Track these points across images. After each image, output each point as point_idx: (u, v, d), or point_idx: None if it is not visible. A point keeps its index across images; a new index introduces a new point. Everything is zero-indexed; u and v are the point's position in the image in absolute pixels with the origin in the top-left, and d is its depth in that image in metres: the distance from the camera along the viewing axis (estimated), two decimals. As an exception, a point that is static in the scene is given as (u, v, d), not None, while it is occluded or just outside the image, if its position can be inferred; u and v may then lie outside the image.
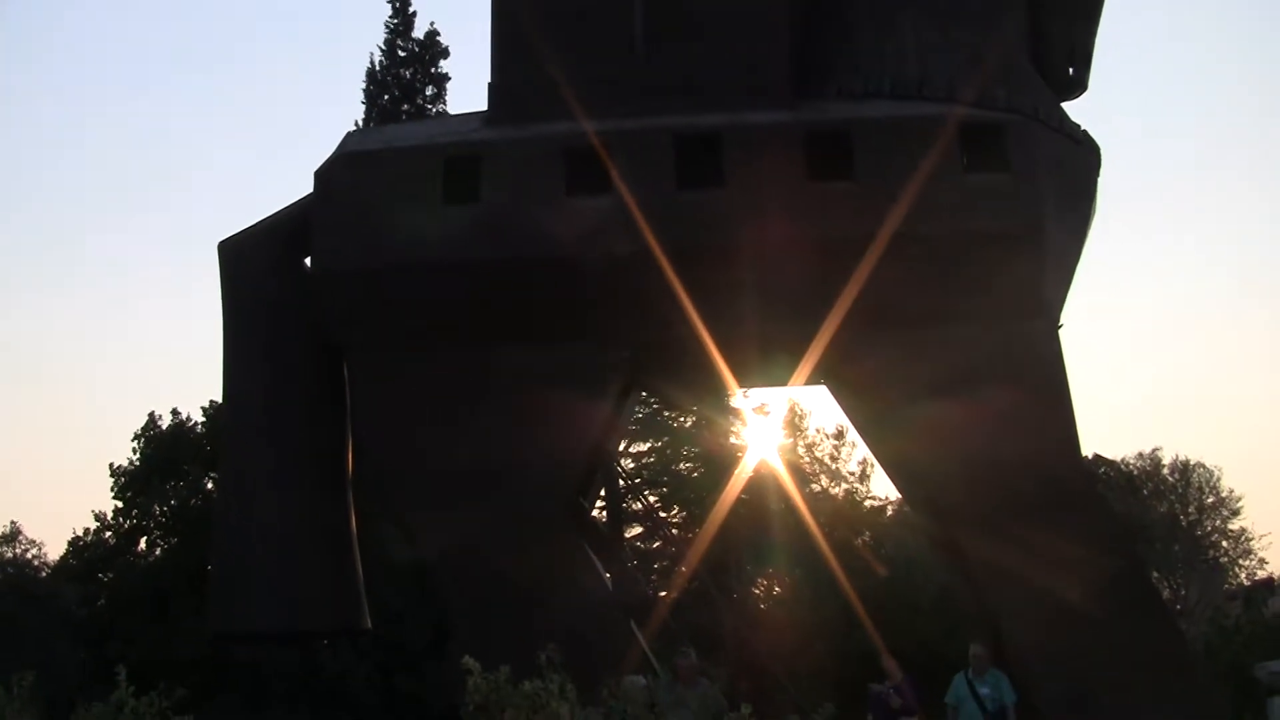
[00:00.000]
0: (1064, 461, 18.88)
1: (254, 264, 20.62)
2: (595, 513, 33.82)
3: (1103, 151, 20.01)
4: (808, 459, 52.63)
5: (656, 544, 50.08)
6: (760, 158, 18.72)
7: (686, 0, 19.69)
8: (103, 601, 43.69)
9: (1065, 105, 20.25)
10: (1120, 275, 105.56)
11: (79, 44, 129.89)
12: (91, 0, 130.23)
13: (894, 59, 19.63)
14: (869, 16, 20.09)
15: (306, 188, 20.05)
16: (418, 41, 50.25)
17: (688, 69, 19.39)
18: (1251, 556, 60.36)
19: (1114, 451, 60.96)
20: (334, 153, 19.83)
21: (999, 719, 18.06)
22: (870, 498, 51.41)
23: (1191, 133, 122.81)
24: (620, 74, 19.43)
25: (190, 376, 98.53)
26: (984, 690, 18.26)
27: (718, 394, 41.11)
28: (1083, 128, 19.90)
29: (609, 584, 20.29)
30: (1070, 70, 20.73)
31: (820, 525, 38.73)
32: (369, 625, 21.14)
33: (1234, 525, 60.65)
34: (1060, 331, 19.46)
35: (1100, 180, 19.99)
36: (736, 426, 49.83)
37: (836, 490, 51.43)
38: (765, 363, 19.86)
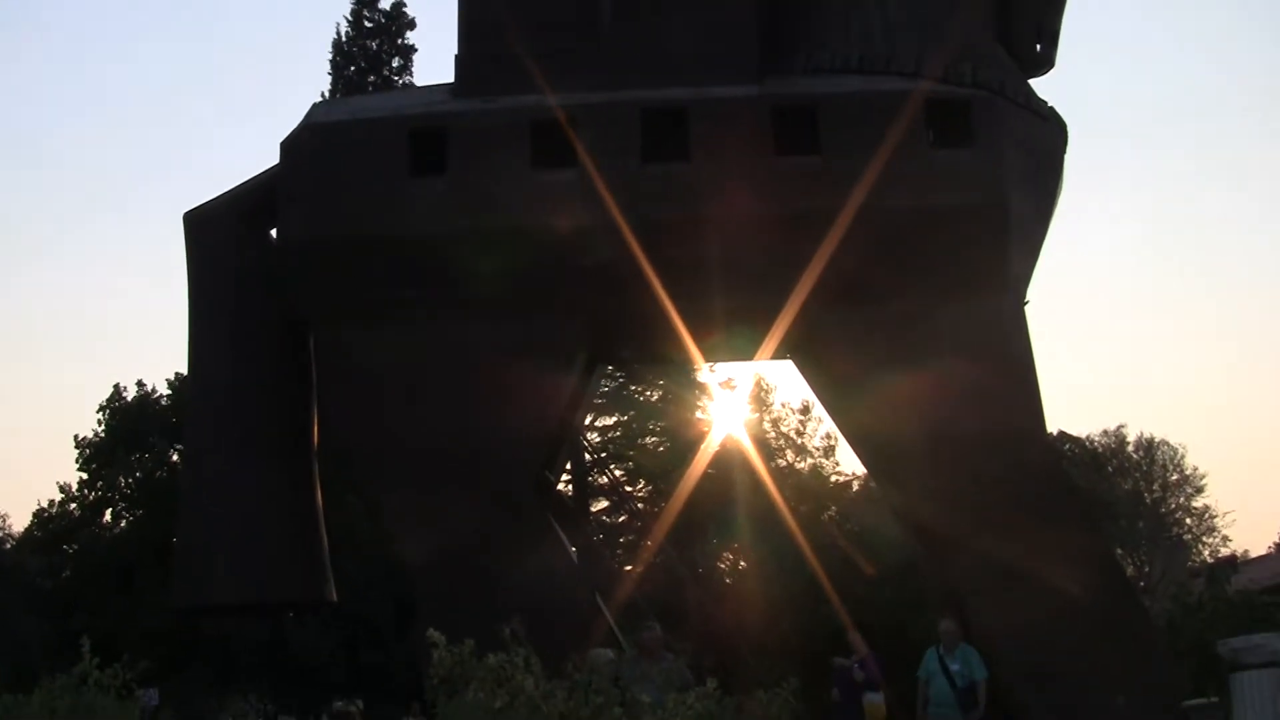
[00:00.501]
0: (1028, 436, 18.97)
1: (219, 235, 20.53)
2: (561, 486, 33.82)
3: (1069, 127, 20.07)
4: (773, 434, 52.61)
5: (622, 518, 50.09)
6: (726, 132, 18.73)
7: (654, -27, 19.66)
8: (68, 573, 43.65)
9: (1032, 82, 20.29)
10: (1085, 252, 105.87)
11: (36, 16, 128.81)
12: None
13: (861, 34, 19.63)
14: (836, -8, 20.07)
15: (272, 159, 20.01)
16: (384, 13, 50.16)
17: (654, 42, 19.38)
18: (1215, 534, 60.78)
19: (1079, 429, 61.25)
20: (300, 124, 19.75)
21: (969, 694, 18.09)
22: (836, 473, 51.47)
23: (1153, 109, 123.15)
24: (586, 47, 19.41)
25: (156, 348, 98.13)
26: (954, 666, 18.29)
27: (683, 368, 41.13)
28: (1049, 104, 19.96)
29: (574, 558, 20.31)
30: (1037, 47, 20.76)
31: (786, 500, 38.79)
32: (334, 598, 21.14)
33: (1198, 503, 61.05)
34: (1026, 308, 19.53)
35: (1067, 157, 20.06)
36: (703, 401, 49.91)
37: (802, 465, 51.45)
38: (730, 337, 19.88)
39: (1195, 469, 60.82)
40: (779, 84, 19.34)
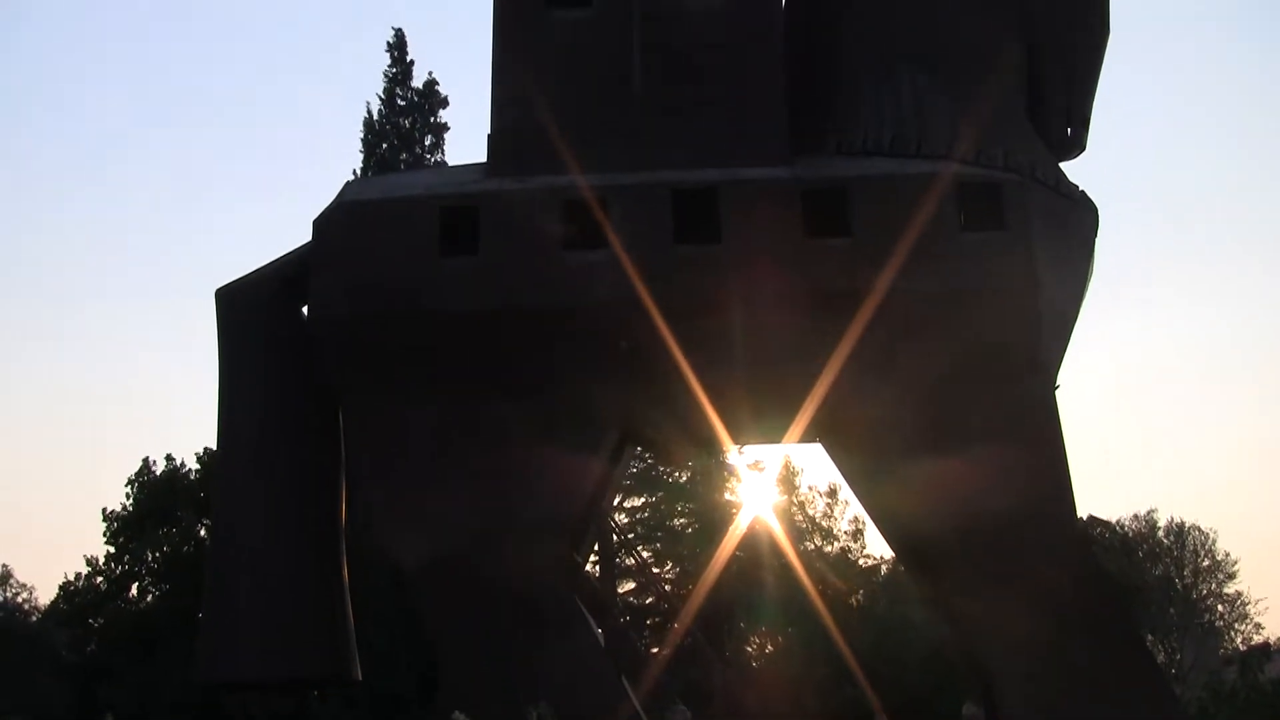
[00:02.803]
0: (1058, 522, 18.83)
1: (251, 310, 20.63)
2: (588, 567, 33.65)
3: (1099, 210, 20.06)
4: (801, 516, 52.39)
5: (649, 599, 49.75)
6: (757, 213, 18.77)
7: (684, 54, 19.80)
8: (93, 646, 43.51)
9: (1064, 165, 20.33)
10: (1116, 335, 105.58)
11: (76, 95, 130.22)
12: (88, 50, 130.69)
13: (892, 115, 19.72)
14: (868, 71, 20.20)
15: (305, 236, 20.09)
16: (416, 91, 50.35)
17: (685, 123, 19.46)
18: (1247, 621, 60.08)
19: (1109, 513, 60.79)
20: (333, 201, 19.86)
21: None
22: (864, 556, 51.18)
23: (1185, 192, 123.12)
24: (618, 127, 19.48)
25: (186, 422, 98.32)
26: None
27: (713, 449, 41.08)
28: (1080, 188, 19.96)
29: (601, 639, 20.16)
30: (1068, 131, 20.82)
31: (813, 582, 38.61)
32: (359, 676, 21.00)
33: (1230, 589, 60.42)
34: (1057, 391, 19.45)
35: (1097, 239, 20.03)
36: (731, 483, 49.67)
37: (830, 548, 51.17)
38: (760, 418, 19.80)
39: (1227, 554, 60.28)
40: (810, 165, 19.38)
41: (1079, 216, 19.84)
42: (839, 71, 20.52)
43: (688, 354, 18.35)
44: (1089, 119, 21.08)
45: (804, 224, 18.73)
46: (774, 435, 20.54)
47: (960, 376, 18.50)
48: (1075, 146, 21.04)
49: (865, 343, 18.16)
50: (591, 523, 22.25)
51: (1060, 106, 20.75)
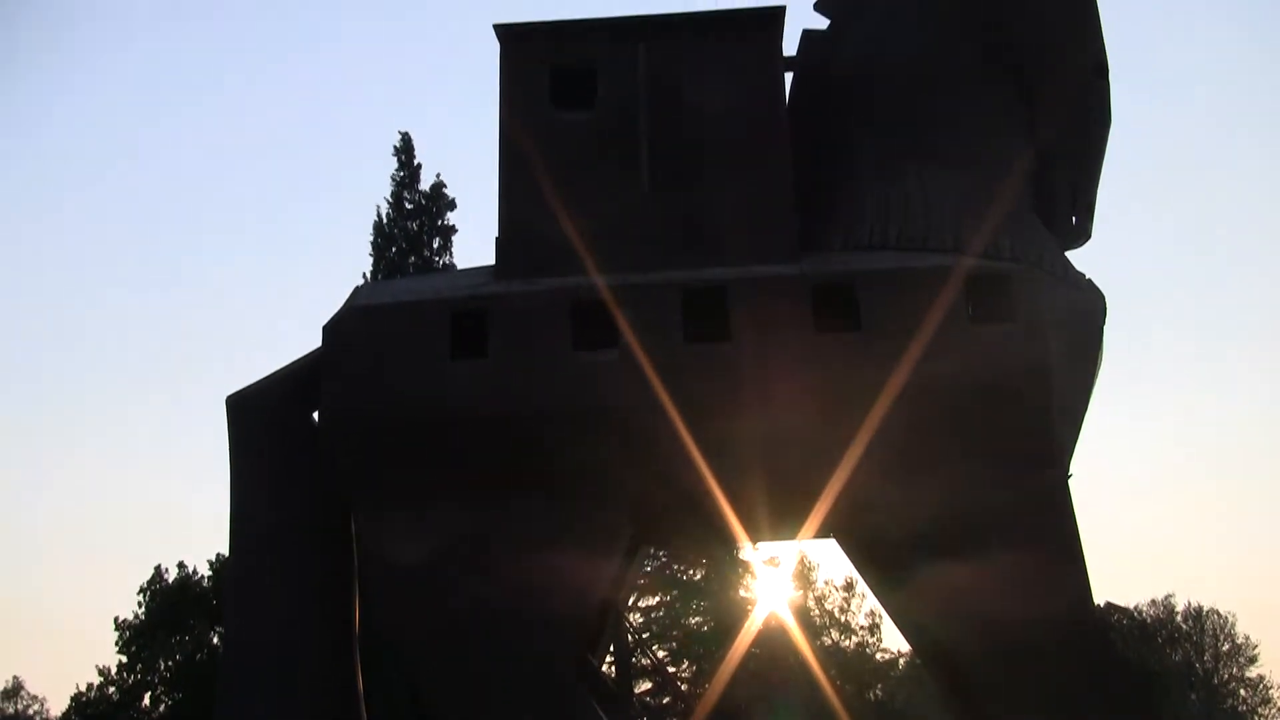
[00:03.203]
0: (1076, 615, 18.63)
1: (262, 417, 20.62)
2: (604, 668, 33.43)
3: (1108, 297, 20.08)
4: (817, 611, 52.23)
5: (666, 700, 49.47)
6: (766, 310, 18.78)
7: (691, 153, 19.92)
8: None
9: (1070, 254, 20.38)
10: (1128, 419, 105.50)
11: (90, 199, 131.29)
12: (100, 155, 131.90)
13: (899, 208, 19.76)
14: (874, 168, 20.29)
15: (314, 342, 20.14)
16: (424, 194, 50.80)
17: (693, 221, 19.54)
18: (1271, 705, 59.67)
19: (1126, 598, 60.59)
20: (343, 306, 19.90)
21: None
22: (881, 650, 50.92)
23: (1191, 277, 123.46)
24: (626, 227, 19.56)
25: (198, 529, 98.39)
26: None
27: (727, 547, 40.90)
28: (1087, 276, 20.00)
29: (618, 741, 19.99)
30: (1074, 219, 20.91)
31: (831, 679, 38.38)
32: (374, 786, 20.80)
33: (1251, 672, 60.12)
34: (1070, 480, 19.36)
35: (1106, 327, 20.03)
36: (746, 579, 49.53)
37: (847, 643, 50.92)
38: (774, 516, 19.71)
39: (1247, 638, 60.08)
40: (817, 261, 19.41)
41: (1088, 305, 19.84)
42: (845, 169, 20.63)
43: (700, 452, 18.31)
44: (1094, 207, 21.16)
45: (813, 320, 18.76)
46: (788, 532, 20.42)
47: (972, 471, 18.39)
48: (1081, 235, 21.12)
49: (877, 439, 18.10)
50: (607, 623, 22.13)
51: (1065, 196, 20.85)
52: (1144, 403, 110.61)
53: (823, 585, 53.55)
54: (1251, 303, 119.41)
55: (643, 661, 48.21)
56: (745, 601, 47.88)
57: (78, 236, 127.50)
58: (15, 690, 61.33)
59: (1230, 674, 59.25)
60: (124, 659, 44.07)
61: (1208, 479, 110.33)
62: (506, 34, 20.81)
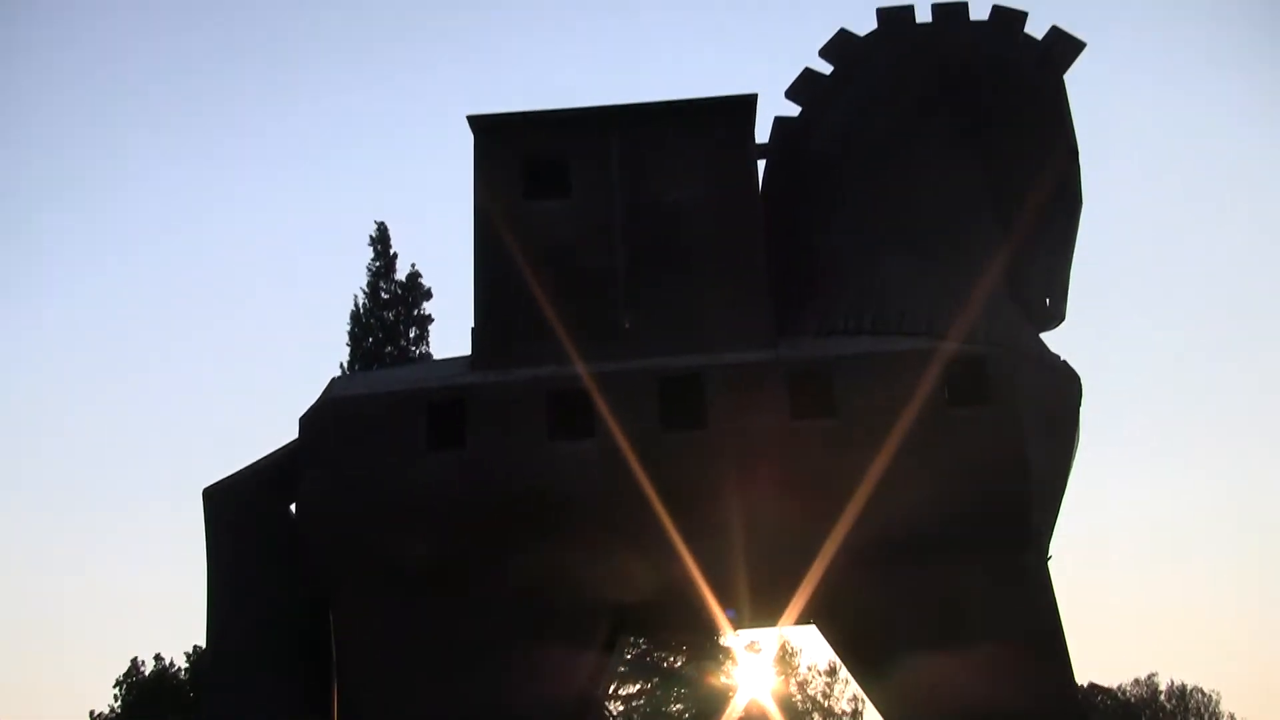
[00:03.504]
0: (1058, 699, 18.52)
1: (239, 509, 20.53)
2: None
3: (1084, 379, 20.13)
4: (800, 697, 51.89)
5: (649, 789, 49.05)
6: (743, 397, 18.78)
7: (666, 242, 19.98)
8: None
9: (1044, 336, 20.45)
10: (1106, 499, 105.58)
11: (61, 301, 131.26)
12: (74, 244, 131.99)
13: (875, 294, 19.82)
14: (850, 250, 20.38)
15: (291, 433, 20.10)
16: (400, 283, 50.88)
17: (668, 309, 19.58)
18: (1256, 783, 59.34)
19: (1110, 678, 60.31)
20: (319, 398, 19.89)
21: None
22: (865, 733, 50.59)
23: (1165, 357, 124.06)
24: (601, 315, 19.60)
25: (174, 621, 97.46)
26: None
27: (708, 633, 40.70)
28: (1061, 358, 20.06)
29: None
30: (1048, 301, 20.98)
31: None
32: None
33: (1236, 751, 59.76)
34: (1050, 562, 19.32)
35: (1082, 408, 20.06)
36: (727, 666, 49.23)
37: (830, 728, 50.59)
38: (755, 603, 19.59)
39: (1231, 716, 59.76)
40: (793, 346, 19.45)
41: (1064, 386, 19.89)
42: (820, 254, 20.71)
43: (681, 539, 18.25)
44: (1067, 289, 21.26)
45: (790, 405, 18.76)
46: (769, 619, 20.33)
47: (950, 556, 18.30)
48: (1055, 317, 21.19)
49: (855, 525, 18.07)
50: (588, 713, 21.92)
51: (1040, 279, 20.94)
52: (1123, 483, 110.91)
53: (805, 670, 53.36)
54: (1230, 384, 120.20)
55: (624, 751, 47.92)
56: (727, 688, 47.67)
57: (52, 323, 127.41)
58: (-12, 787, 60.61)
59: (1215, 754, 59.04)
60: (100, 754, 43.75)
61: (1189, 557, 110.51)
62: (479, 125, 20.93)
